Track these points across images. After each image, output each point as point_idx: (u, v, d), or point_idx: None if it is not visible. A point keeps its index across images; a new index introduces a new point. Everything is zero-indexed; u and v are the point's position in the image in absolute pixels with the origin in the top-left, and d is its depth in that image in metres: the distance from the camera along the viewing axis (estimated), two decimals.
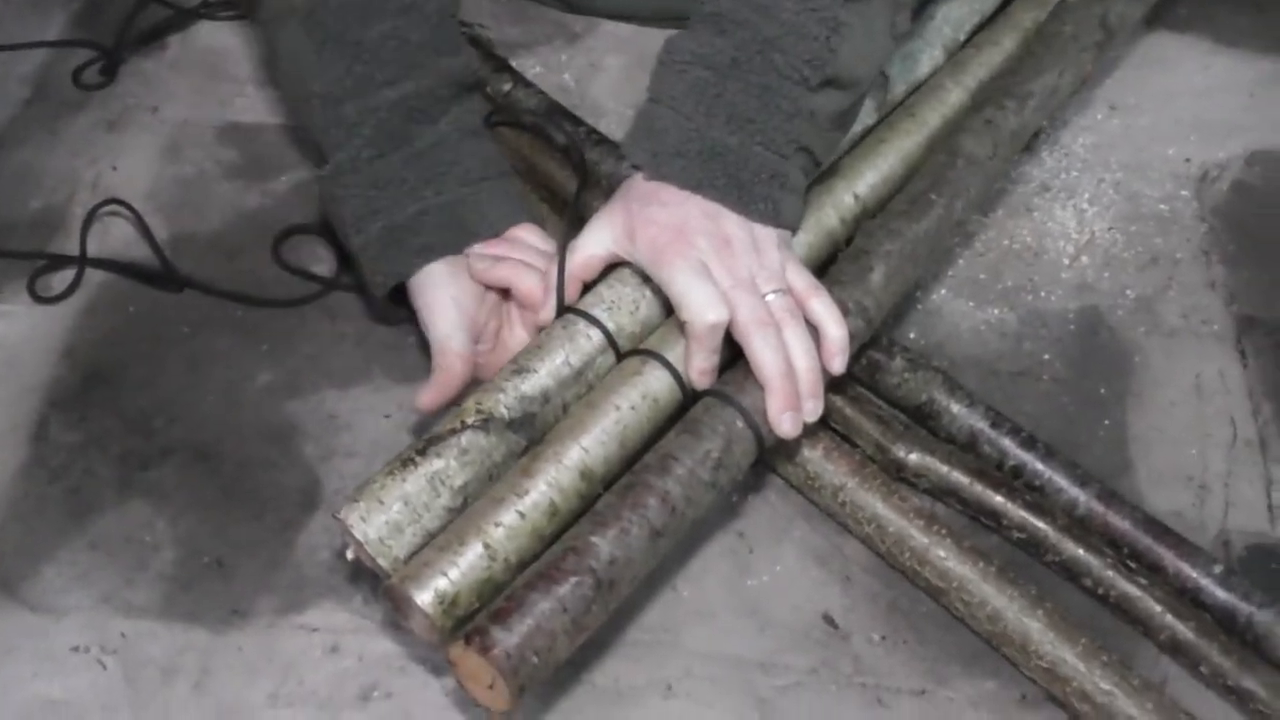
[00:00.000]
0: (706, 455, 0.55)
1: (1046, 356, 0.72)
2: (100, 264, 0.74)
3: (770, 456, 0.65)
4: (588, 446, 0.55)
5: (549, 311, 0.62)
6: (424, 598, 0.50)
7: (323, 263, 0.75)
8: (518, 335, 0.64)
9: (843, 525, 0.65)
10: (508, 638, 0.48)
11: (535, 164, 0.75)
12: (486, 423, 0.56)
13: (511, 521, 0.53)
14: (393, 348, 0.71)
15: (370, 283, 0.64)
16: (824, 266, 0.66)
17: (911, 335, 0.73)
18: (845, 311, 0.61)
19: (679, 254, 0.58)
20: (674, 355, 0.59)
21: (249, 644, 0.59)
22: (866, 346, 0.67)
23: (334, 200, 0.63)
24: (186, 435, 0.67)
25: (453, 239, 0.62)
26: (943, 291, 0.75)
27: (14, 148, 0.81)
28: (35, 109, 0.83)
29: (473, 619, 0.50)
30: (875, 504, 0.62)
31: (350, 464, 0.66)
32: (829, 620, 0.62)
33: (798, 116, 0.58)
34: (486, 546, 0.52)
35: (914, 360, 0.68)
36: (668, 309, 0.61)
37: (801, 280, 0.60)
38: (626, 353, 0.61)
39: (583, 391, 0.60)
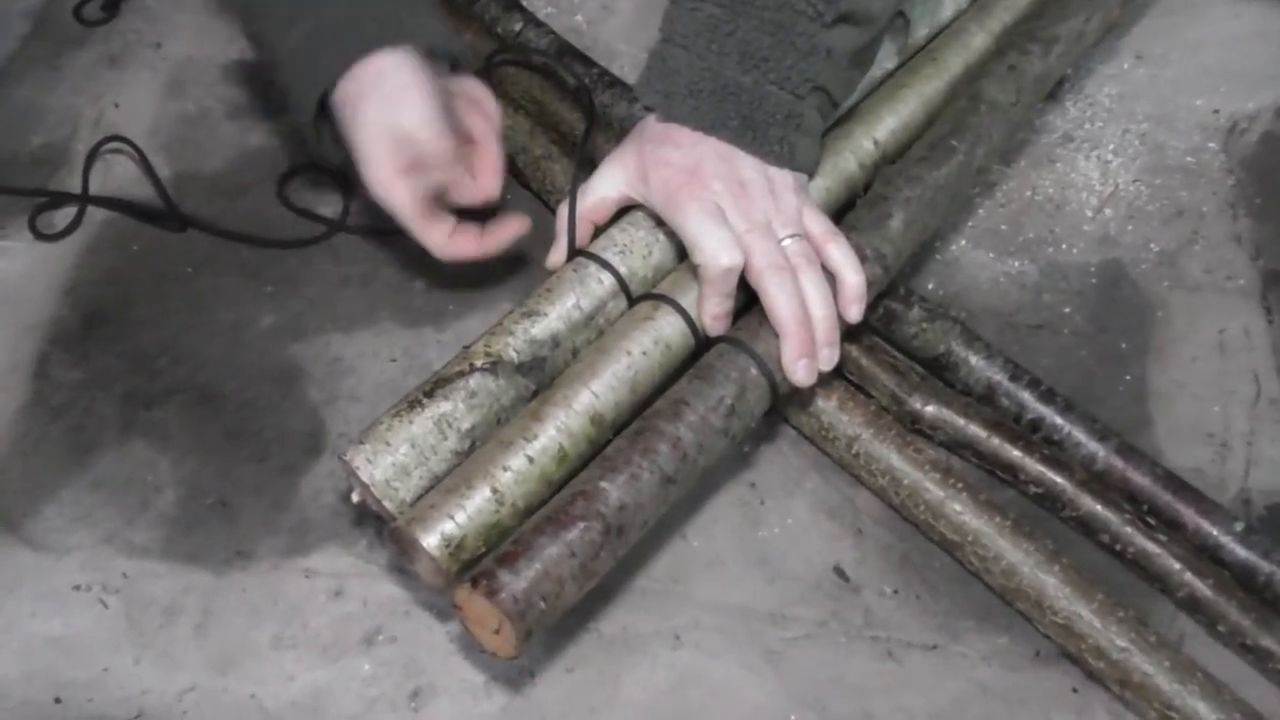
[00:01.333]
0: (719, 402, 0.54)
1: (1067, 310, 0.71)
2: (102, 202, 0.73)
3: (783, 406, 0.65)
4: (598, 391, 0.55)
5: (560, 254, 0.61)
6: (430, 540, 0.50)
7: (328, 205, 0.74)
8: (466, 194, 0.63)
9: (856, 477, 0.64)
10: (515, 582, 0.48)
11: (545, 105, 0.74)
12: (495, 366, 0.55)
13: (520, 466, 0.52)
14: (399, 290, 0.70)
15: (302, 97, 0.59)
16: (842, 213, 0.65)
17: (930, 285, 0.72)
18: (863, 258, 0.60)
19: (693, 197, 0.57)
20: (687, 300, 0.58)
21: (252, 586, 0.59)
22: (884, 295, 0.66)
23: (256, 18, 0.60)
24: (189, 376, 0.66)
25: (393, 33, 0.58)
26: (962, 242, 0.74)
27: (15, 84, 0.79)
28: (36, 45, 0.81)
29: (479, 563, 0.50)
30: (890, 456, 0.61)
31: (355, 408, 0.65)
32: (840, 573, 0.61)
33: (813, 54, 0.57)
34: (494, 490, 0.51)
35: (932, 310, 0.67)
36: (681, 253, 0.60)
37: (818, 225, 0.59)
38: (638, 297, 0.60)
39: (593, 336, 0.59)
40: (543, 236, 0.67)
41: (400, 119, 0.58)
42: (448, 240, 0.62)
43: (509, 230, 0.65)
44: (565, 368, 0.57)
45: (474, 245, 0.63)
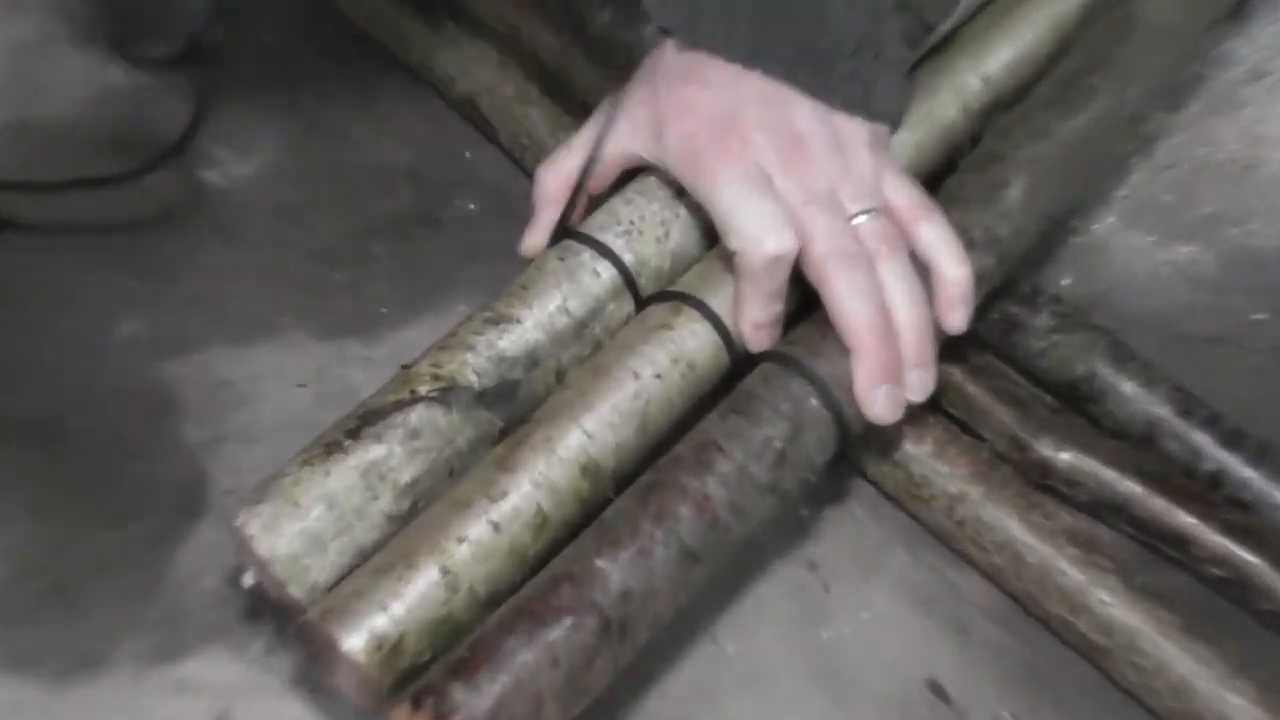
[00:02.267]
0: (765, 446, 0.55)
1: (1259, 316, 0.72)
2: None
3: (856, 452, 0.65)
4: (593, 430, 0.55)
5: (540, 235, 0.62)
6: (354, 642, 0.50)
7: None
8: None
9: (960, 554, 0.64)
10: (475, 701, 0.47)
11: (519, 28, 0.76)
12: (446, 393, 0.55)
13: (481, 536, 0.52)
14: (312, 286, 0.71)
15: None
16: (939, 178, 0.66)
17: (1065, 281, 0.73)
18: (968, 242, 0.60)
19: (727, 157, 0.57)
20: (719, 302, 0.59)
21: (104, 705, 0.59)
22: (999, 295, 0.67)
23: None
24: (19, 410, 0.66)
25: None
26: (1110, 219, 0.75)
27: None
28: None
29: (424, 674, 0.49)
30: (1008, 523, 0.62)
31: (249, 453, 0.65)
32: (937, 690, 0.61)
33: None
34: (445, 571, 0.51)
35: (1067, 316, 0.67)
36: (710, 235, 0.61)
37: (905, 196, 0.60)
38: (651, 297, 0.60)
39: (587, 352, 0.59)
40: (514, 211, 0.67)
41: None
42: None
43: None
44: (547, 397, 0.57)
45: None
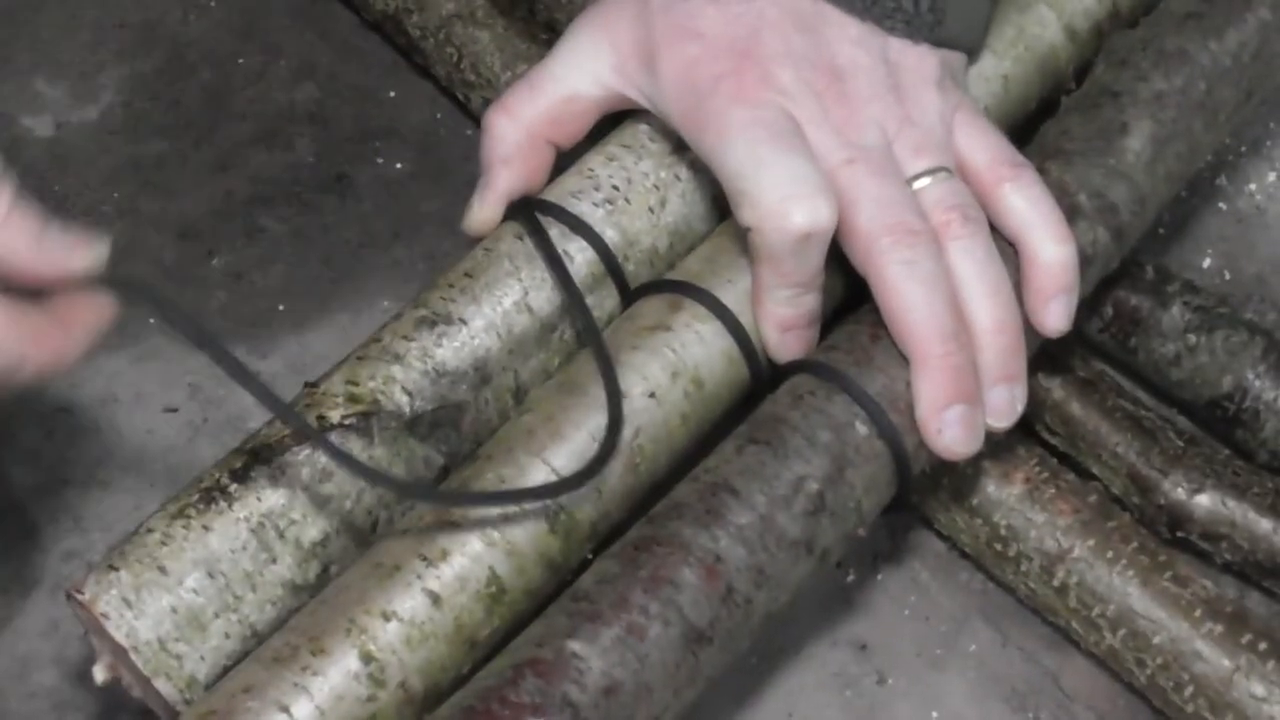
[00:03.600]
0: (797, 489, 0.56)
1: None
2: None
3: (921, 496, 0.66)
4: (563, 469, 0.56)
5: (491, 206, 0.63)
6: None
7: None
8: None
9: (1061, 631, 0.66)
10: None
11: None
12: (367, 420, 0.57)
13: (415, 611, 0.53)
14: (180, 275, 0.73)
15: None
16: (1033, 124, 0.67)
17: (1205, 263, 0.74)
18: (1072, 211, 0.61)
19: (741, 97, 0.59)
20: (734, 295, 0.60)
21: None
22: (1115, 282, 0.68)
23: None
24: None
25: None
26: (1270, 178, 0.76)
27: None
28: None
29: None
30: (1127, 590, 0.63)
31: (99, 501, 0.67)
32: None
33: None
34: (367, 659, 0.52)
35: (1208, 311, 0.68)
36: (721, 206, 0.62)
37: (985, 149, 0.61)
38: (642, 288, 0.62)
39: (555, 363, 0.61)
40: (453, 170, 0.70)
41: None
42: None
43: (84, 316, 0.58)
44: (502, 424, 0.59)
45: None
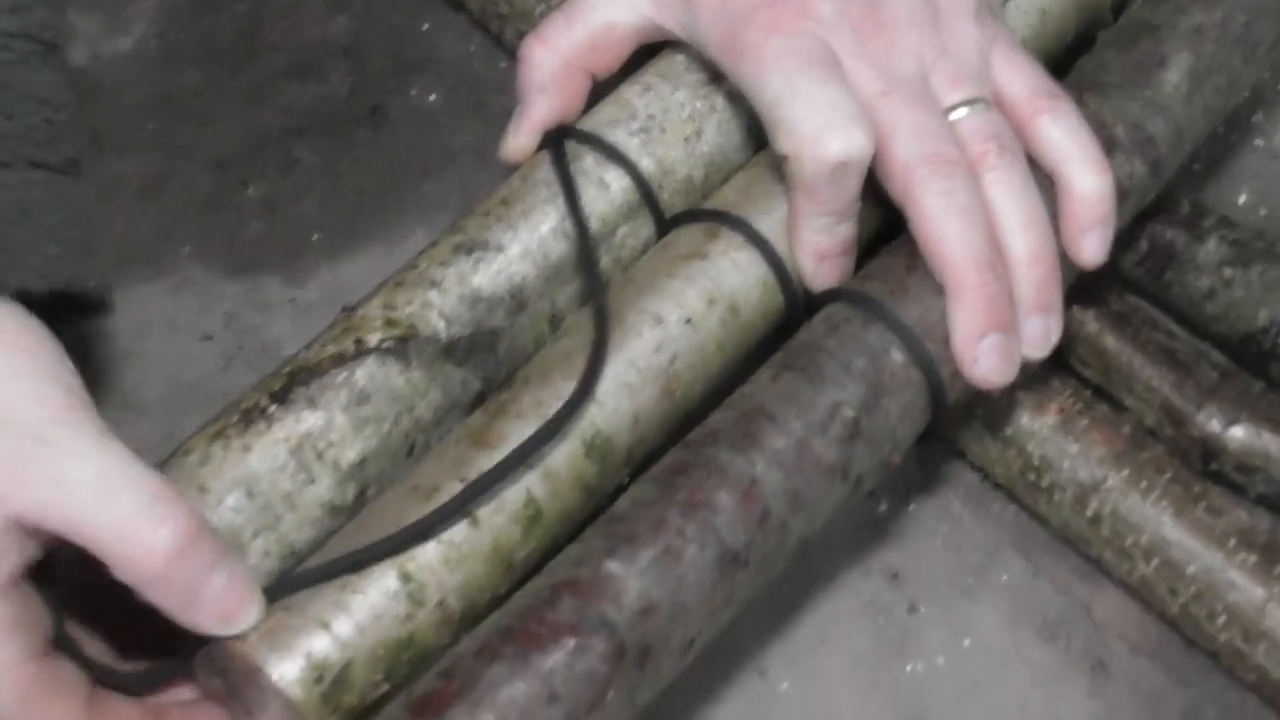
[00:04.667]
0: (832, 414, 0.56)
1: None
2: None
3: (955, 426, 0.67)
4: (601, 395, 0.56)
5: (527, 134, 0.63)
6: (286, 670, 0.51)
7: None
8: None
9: (1093, 561, 0.66)
10: None
11: None
12: (404, 344, 0.57)
13: (454, 533, 0.54)
14: (216, 206, 0.73)
15: None
16: (1070, 58, 0.67)
17: (1241, 199, 0.74)
18: (1110, 144, 0.61)
19: (777, 28, 0.59)
20: (770, 224, 0.60)
21: None
22: (1150, 216, 0.68)
23: None
24: None
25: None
26: None
27: None
28: None
29: (378, 714, 0.51)
30: (1160, 520, 0.63)
31: (135, 427, 0.67)
32: None
33: None
34: (406, 578, 0.53)
35: (1243, 245, 0.69)
36: (758, 137, 0.62)
37: (1023, 80, 0.61)
38: (679, 216, 0.62)
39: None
40: (487, 103, 0.70)
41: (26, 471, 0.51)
42: None
43: None
44: (539, 350, 0.59)
45: None
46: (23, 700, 0.52)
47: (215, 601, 0.51)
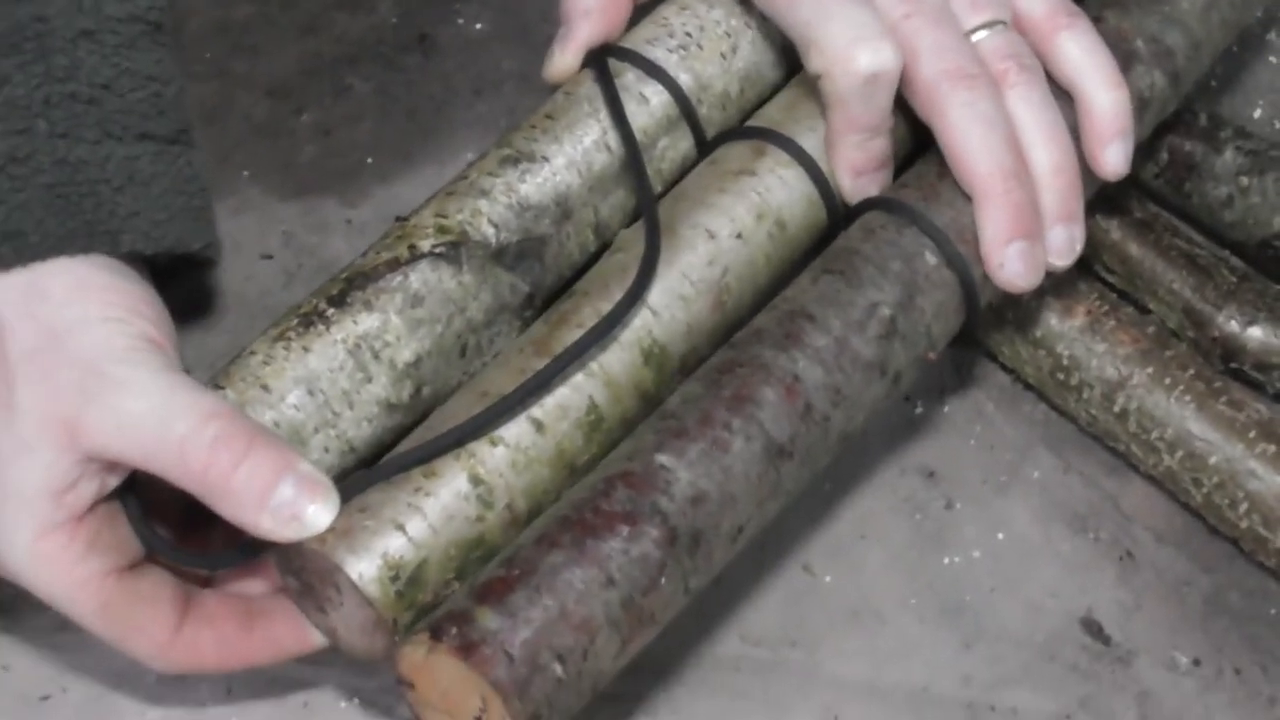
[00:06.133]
0: (870, 313, 0.57)
1: None
2: None
3: (986, 329, 0.68)
4: (658, 306, 0.58)
5: (572, 53, 0.64)
6: (363, 569, 0.52)
7: None
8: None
9: (1120, 456, 0.68)
10: (510, 629, 0.50)
11: None
12: (456, 249, 0.58)
13: (521, 438, 0.55)
14: (272, 132, 0.74)
15: None
16: None
17: (1257, 112, 0.75)
18: (1129, 56, 0.62)
19: None
20: (813, 141, 0.62)
21: None
22: (1169, 128, 0.69)
23: None
24: None
25: (69, 234, 0.56)
26: None
27: None
28: None
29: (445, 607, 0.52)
30: (1184, 415, 0.65)
31: (200, 340, 0.69)
32: (1093, 629, 0.65)
33: None
34: (476, 481, 0.54)
35: (1259, 155, 0.70)
36: (790, 56, 0.64)
37: (1042, 1, 0.62)
38: (724, 134, 0.63)
39: (631, 201, 0.62)
40: (531, 29, 0.72)
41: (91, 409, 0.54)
42: (170, 642, 0.58)
43: (289, 635, 0.59)
44: (581, 257, 0.61)
45: (218, 653, 0.59)
46: (102, 612, 0.55)
47: (286, 507, 0.52)
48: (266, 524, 0.52)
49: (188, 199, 0.59)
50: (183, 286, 0.60)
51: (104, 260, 0.55)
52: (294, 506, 0.52)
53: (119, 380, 0.52)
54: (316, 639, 0.58)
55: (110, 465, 0.53)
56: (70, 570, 0.54)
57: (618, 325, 0.56)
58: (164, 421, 0.52)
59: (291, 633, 0.58)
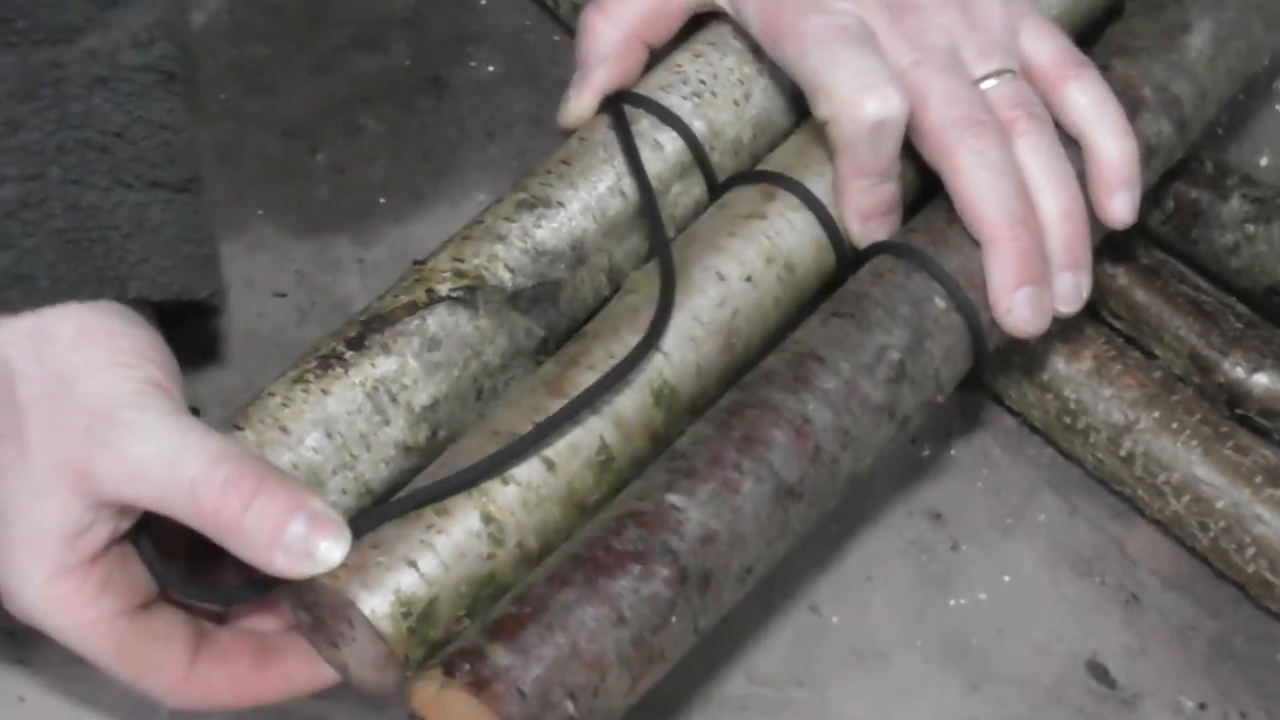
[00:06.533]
0: (879, 357, 0.57)
1: None
2: None
3: (993, 373, 0.68)
4: (668, 347, 0.58)
5: (587, 98, 0.65)
6: (375, 605, 0.52)
7: None
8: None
9: (1125, 500, 0.68)
10: (522, 666, 0.50)
11: None
12: (472, 293, 0.58)
13: (532, 476, 0.55)
14: (286, 171, 0.75)
15: None
16: (1096, 28, 0.68)
17: (1263, 160, 0.75)
18: (1136, 104, 0.63)
19: (818, 6, 0.60)
20: (823, 186, 0.62)
21: None
22: (1176, 175, 0.70)
23: None
24: None
25: (78, 279, 0.56)
26: None
27: None
28: None
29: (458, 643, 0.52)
30: (1190, 459, 0.65)
31: (214, 379, 0.69)
32: (1099, 673, 0.65)
33: None
34: (488, 519, 0.54)
35: (1265, 202, 0.70)
36: (801, 102, 0.64)
37: (1049, 50, 0.62)
38: (733, 178, 0.64)
39: (645, 246, 0.63)
40: (543, 73, 0.72)
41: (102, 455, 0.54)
42: (184, 679, 0.57)
43: (302, 671, 0.59)
44: (595, 301, 0.61)
45: (232, 689, 0.58)
46: (116, 651, 0.55)
47: (299, 543, 0.52)
48: (279, 561, 0.52)
49: (195, 247, 0.59)
50: (189, 334, 0.60)
51: (111, 306, 0.55)
52: (306, 543, 0.52)
53: (128, 425, 0.53)
54: (329, 675, 0.57)
55: (123, 509, 0.54)
56: (83, 612, 0.54)
57: (633, 370, 0.56)
58: (174, 465, 0.52)
59: (304, 669, 0.58)
